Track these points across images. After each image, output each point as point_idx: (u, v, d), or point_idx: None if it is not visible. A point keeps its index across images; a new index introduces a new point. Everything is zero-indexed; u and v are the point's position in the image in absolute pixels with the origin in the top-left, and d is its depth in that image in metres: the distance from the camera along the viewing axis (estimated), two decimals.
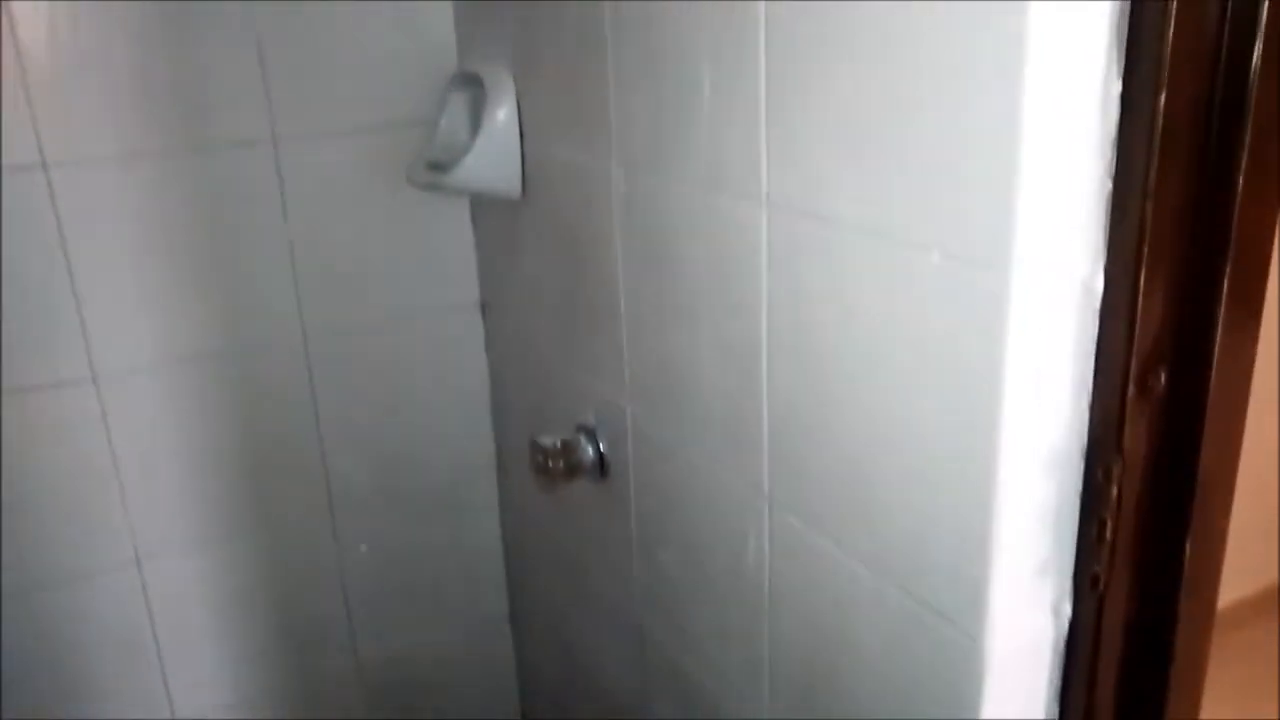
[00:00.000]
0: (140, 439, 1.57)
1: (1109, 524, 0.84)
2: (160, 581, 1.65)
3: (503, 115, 1.45)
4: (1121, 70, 0.74)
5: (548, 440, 1.45)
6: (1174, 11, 0.72)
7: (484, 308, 1.76)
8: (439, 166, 1.51)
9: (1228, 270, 0.80)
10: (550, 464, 1.42)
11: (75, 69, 1.39)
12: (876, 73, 0.82)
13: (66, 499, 1.55)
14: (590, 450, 1.43)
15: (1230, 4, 0.74)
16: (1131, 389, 0.81)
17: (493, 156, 1.46)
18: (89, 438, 1.54)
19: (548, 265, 1.49)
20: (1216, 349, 0.83)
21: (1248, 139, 0.77)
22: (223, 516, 1.67)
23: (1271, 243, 0.83)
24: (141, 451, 1.58)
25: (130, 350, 1.53)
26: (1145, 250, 0.77)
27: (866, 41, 0.82)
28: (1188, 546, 0.87)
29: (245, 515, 1.69)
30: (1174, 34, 0.72)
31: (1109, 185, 0.77)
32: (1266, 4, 0.73)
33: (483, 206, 1.68)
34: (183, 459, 1.62)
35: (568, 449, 1.43)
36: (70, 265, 1.46)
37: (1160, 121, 0.74)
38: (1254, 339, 0.86)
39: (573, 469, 1.43)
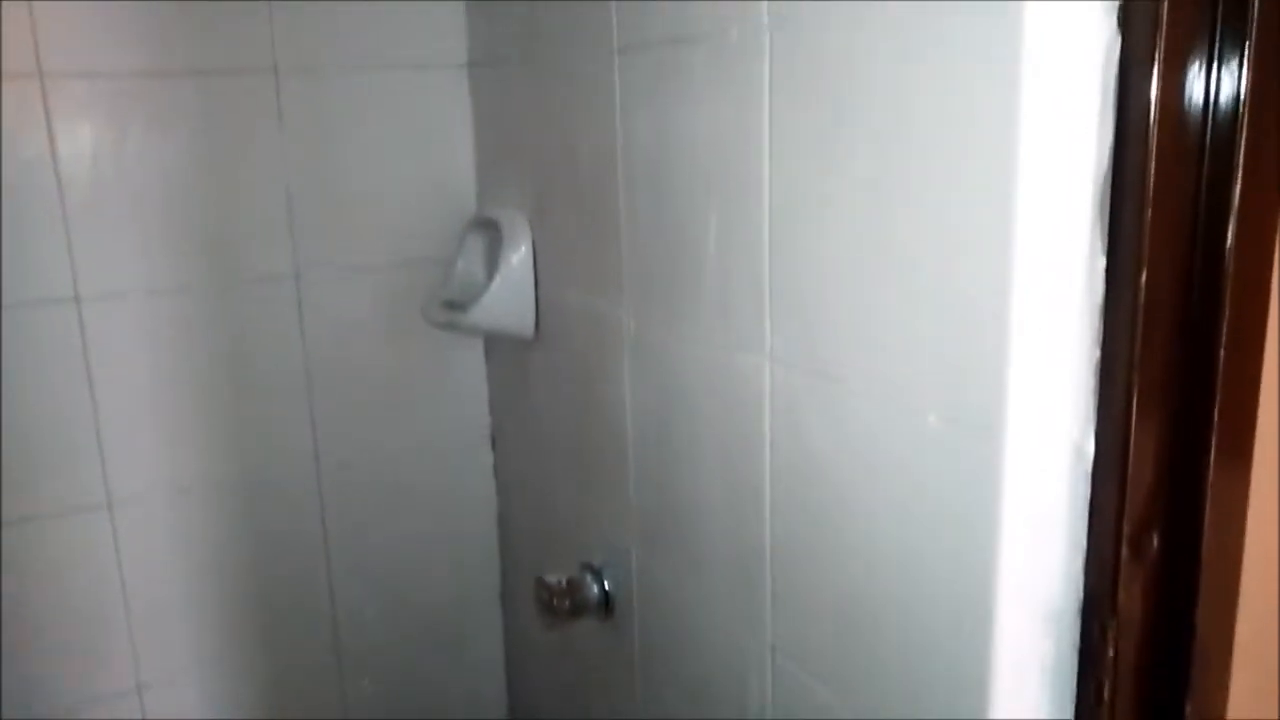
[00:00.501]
0: (150, 567, 1.59)
1: (1106, 685, 0.85)
2: (161, 709, 1.64)
3: (518, 258, 1.50)
4: (1105, 247, 0.79)
5: (553, 578, 1.46)
6: (1151, 193, 0.76)
7: (494, 441, 1.79)
8: (455, 305, 1.56)
9: (1214, 433, 0.83)
10: (555, 602, 1.43)
11: (113, 203, 1.46)
12: (875, 242, 0.87)
13: (73, 625, 1.56)
14: (595, 589, 1.44)
15: (1205, 184, 0.78)
16: (1125, 551, 0.83)
17: (508, 298, 1.51)
18: (99, 564, 1.55)
19: (558, 404, 1.52)
20: (1208, 511, 0.85)
21: (1226, 311, 0.80)
22: (228, 648, 1.67)
23: (1256, 401, 0.86)
24: (150, 579, 1.59)
25: (146, 478, 1.56)
26: (1133, 417, 0.80)
27: (864, 211, 0.87)
28: (1188, 708, 0.87)
29: (250, 647, 1.69)
30: (1152, 214, 0.77)
31: (1097, 353, 0.80)
32: (1239, 185, 0.78)
33: (496, 343, 1.73)
34: (191, 588, 1.62)
35: (573, 587, 1.44)
36: (94, 396, 1.49)
37: (1142, 296, 0.78)
38: (1244, 499, 0.88)
39: (578, 608, 1.44)
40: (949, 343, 0.81)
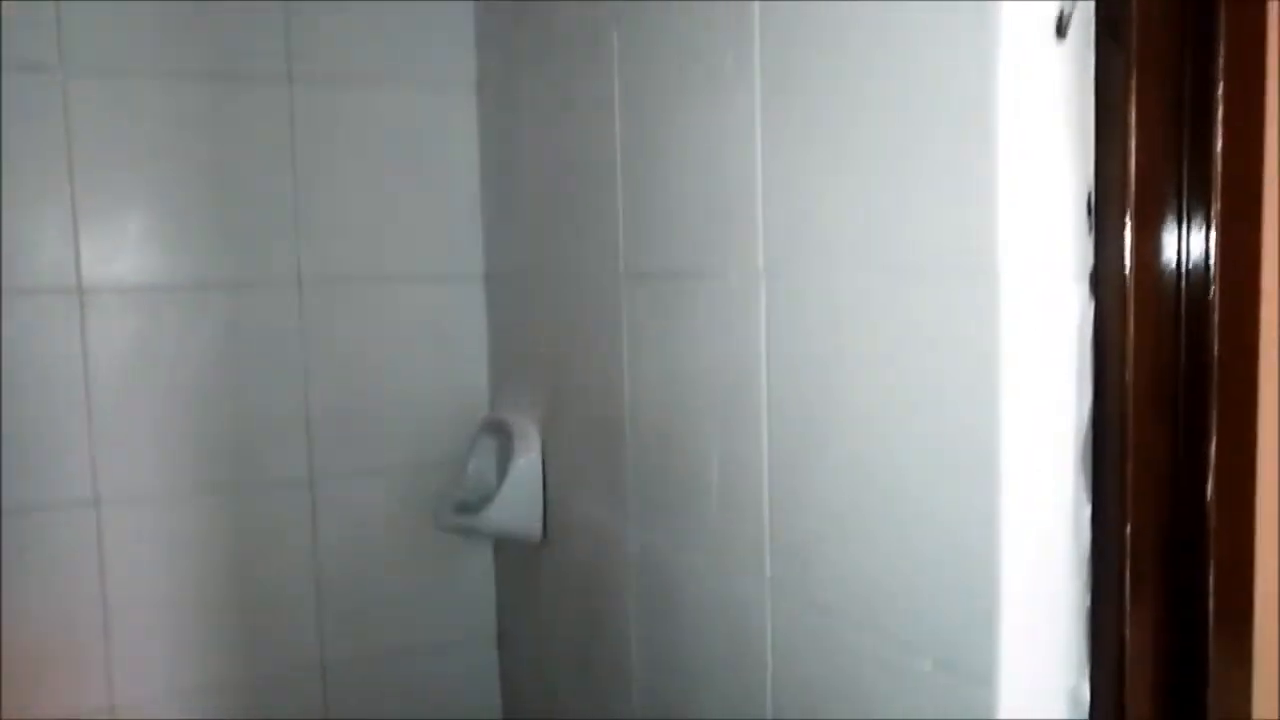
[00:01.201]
0: None
1: None
2: None
3: (527, 462, 1.54)
4: (1090, 494, 0.81)
5: None
6: (1130, 449, 0.79)
7: (500, 643, 1.79)
8: (467, 507, 1.59)
9: (1210, 684, 0.84)
10: None
11: (137, 408, 1.51)
12: (871, 485, 0.90)
13: None
14: None
15: (1182, 437, 0.82)
16: None
17: (516, 503, 1.54)
18: None
19: (563, 609, 1.53)
20: None
21: (1211, 564, 0.82)
22: None
23: (1249, 644, 0.87)
24: None
25: (153, 682, 1.56)
26: (1126, 666, 0.81)
27: (860, 452, 0.91)
28: None
29: None
30: (1133, 468, 0.80)
31: (1087, 601, 0.82)
32: (1214, 441, 0.81)
33: (505, 544, 1.74)
34: None
35: None
36: (105, 600, 1.51)
37: (1129, 548, 0.80)
38: None
39: None
40: (941, 590, 0.83)
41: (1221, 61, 0.77)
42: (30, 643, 1.49)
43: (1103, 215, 0.78)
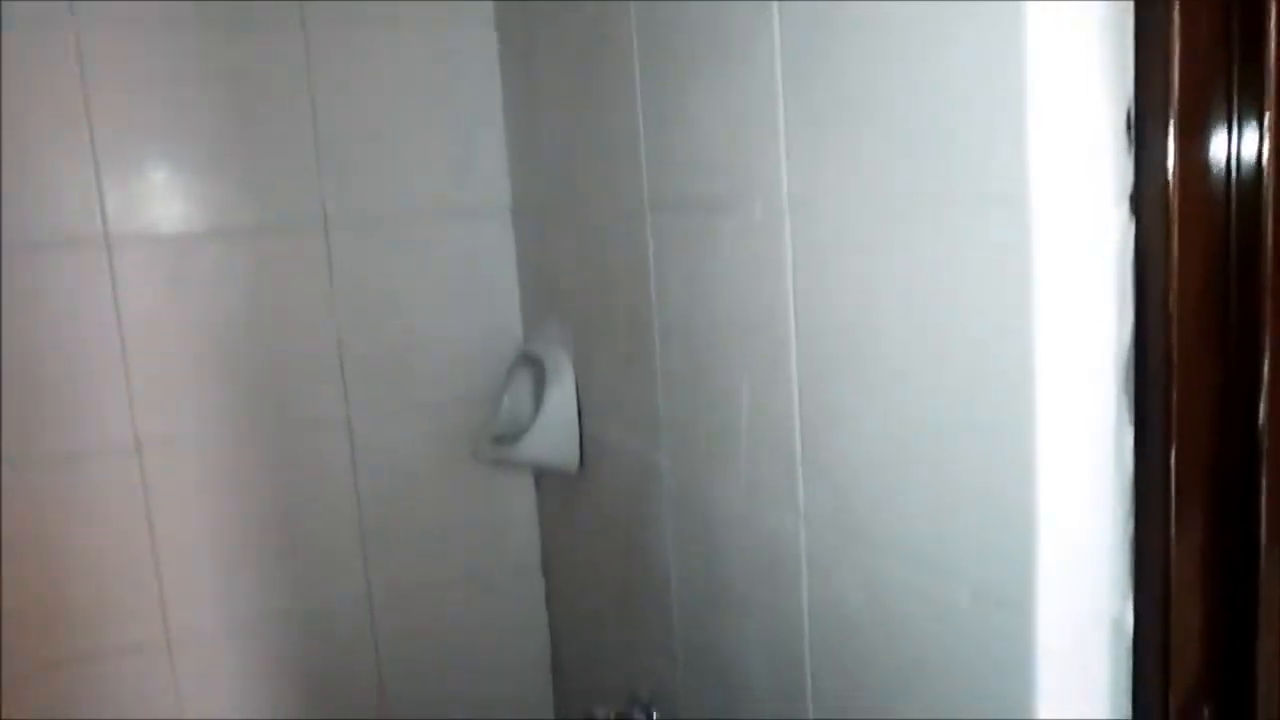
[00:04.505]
0: (210, 701, 1.61)
1: None
2: None
3: (561, 394, 1.53)
4: (1133, 419, 0.78)
5: (601, 712, 1.45)
6: (1176, 369, 0.76)
7: (545, 571, 1.80)
8: (503, 440, 1.59)
9: (1260, 603, 0.81)
10: None
11: (172, 357, 1.52)
12: (905, 412, 0.87)
13: None
14: None
15: (1232, 356, 0.78)
16: None
17: (552, 433, 1.53)
18: (159, 698, 1.58)
19: (603, 538, 1.53)
20: (1260, 682, 0.82)
21: (1264, 483, 0.79)
22: None
23: None
24: (209, 714, 1.62)
25: (203, 617, 1.59)
26: (1172, 591, 0.79)
27: (895, 376, 0.88)
28: None
29: None
30: (1178, 390, 0.76)
31: (1131, 527, 0.80)
32: (1268, 359, 0.77)
33: (547, 477, 1.74)
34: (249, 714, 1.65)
35: None
36: (154, 537, 1.54)
37: (1174, 474, 0.77)
38: None
39: None
40: (978, 519, 0.81)
41: None
42: (87, 579, 1.53)
43: (1144, 129, 0.73)
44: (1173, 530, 0.78)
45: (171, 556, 1.56)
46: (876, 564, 0.93)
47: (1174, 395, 0.76)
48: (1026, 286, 0.73)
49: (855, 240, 0.90)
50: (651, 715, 1.44)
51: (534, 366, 1.61)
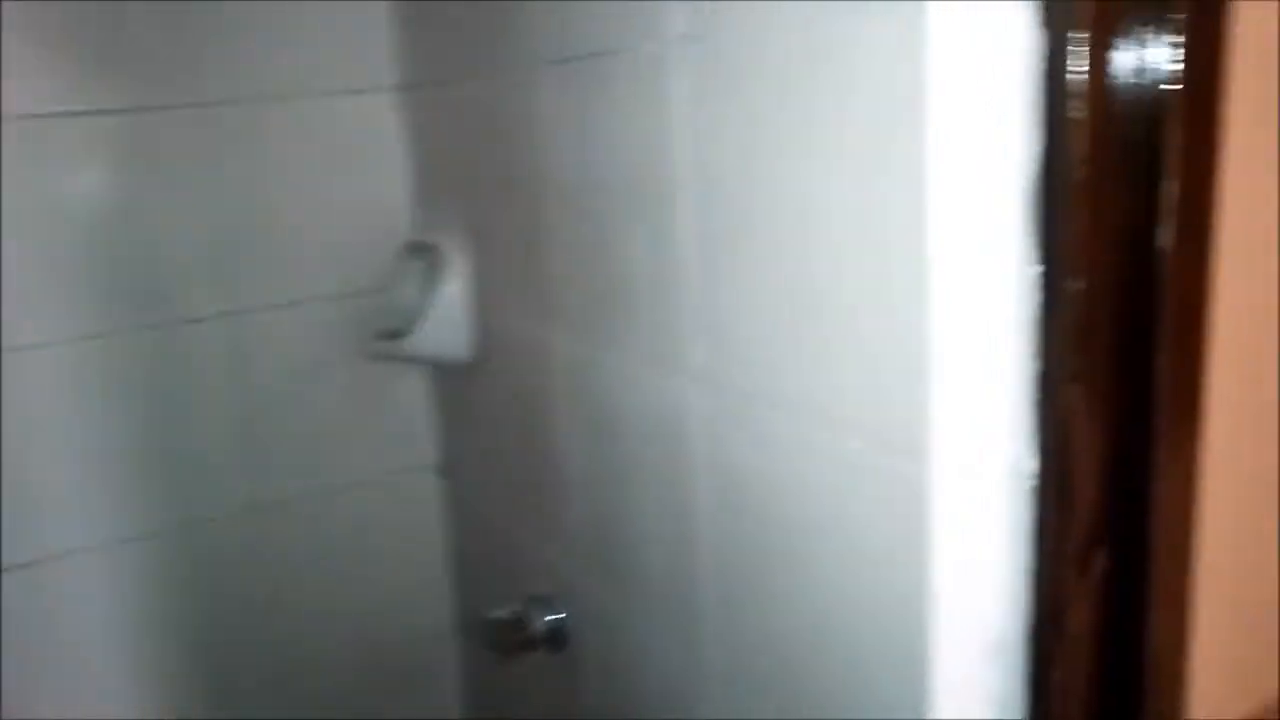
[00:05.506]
0: (85, 623, 1.52)
1: (1057, 712, 0.81)
2: None
3: (455, 283, 1.46)
4: (1038, 253, 0.75)
5: (499, 613, 1.41)
6: (1082, 194, 0.73)
7: (443, 471, 1.74)
8: (394, 334, 1.51)
9: (1160, 441, 0.80)
10: (502, 638, 1.37)
11: (32, 247, 1.40)
12: (798, 264, 0.83)
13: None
14: (544, 622, 1.39)
15: (1138, 180, 0.75)
16: (1071, 571, 0.79)
17: (445, 325, 1.46)
18: (21, 601, 1.49)
19: (503, 432, 1.48)
20: (1157, 523, 0.81)
21: (1166, 313, 0.77)
22: (172, 703, 1.61)
23: (1200, 405, 0.82)
24: (85, 635, 1.53)
25: (74, 529, 1.49)
26: (1074, 431, 0.77)
27: (787, 236, 0.83)
28: None
29: (193, 697, 1.63)
30: (1083, 217, 0.73)
31: (1034, 366, 0.77)
32: (1176, 181, 0.74)
33: (442, 371, 1.67)
34: (128, 641, 1.56)
35: (520, 622, 1.38)
36: (14, 448, 1.43)
37: (1079, 306, 0.74)
38: (1192, 504, 0.84)
39: (526, 642, 1.38)
40: (869, 360, 0.77)
41: None
42: None
43: None
44: (1075, 364, 0.75)
45: (36, 468, 1.46)
46: (769, 421, 0.89)
47: (1080, 220, 0.73)
48: (919, 109, 0.69)
49: (750, 67, 0.84)
50: (552, 609, 1.40)
51: (426, 256, 1.53)
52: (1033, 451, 0.78)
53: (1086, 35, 0.70)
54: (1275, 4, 0.81)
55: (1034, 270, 0.75)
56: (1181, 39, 0.71)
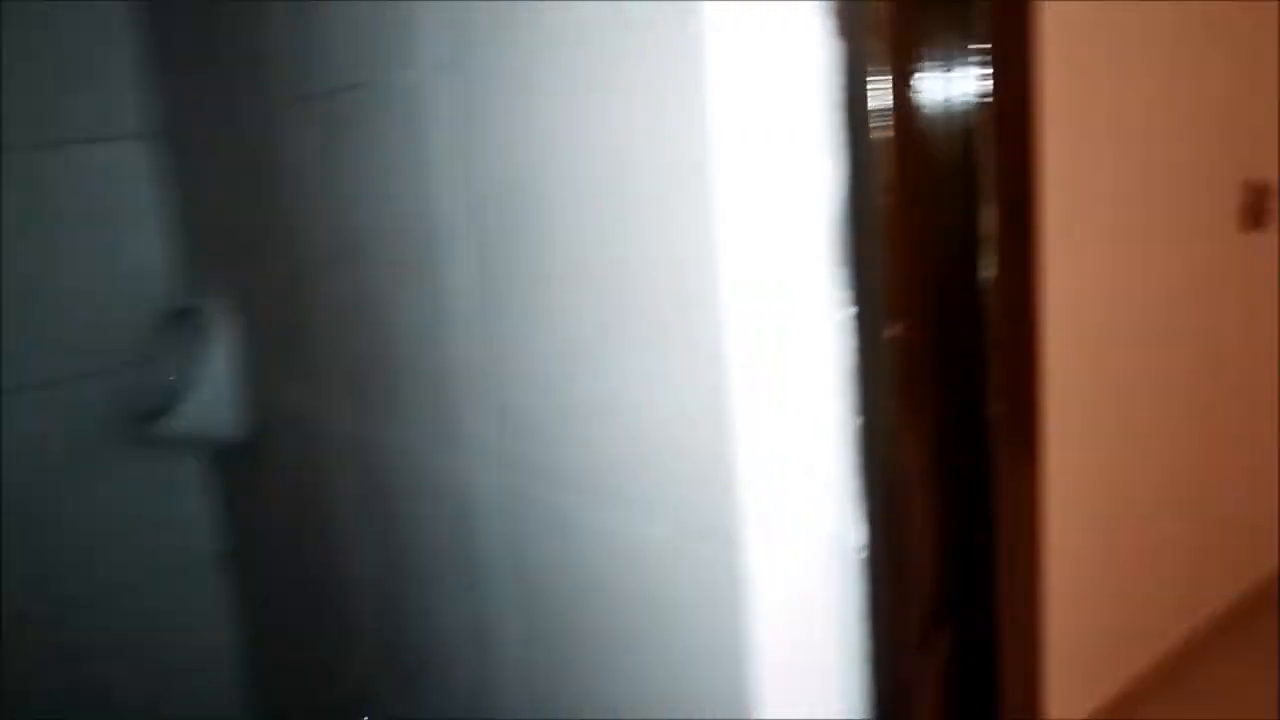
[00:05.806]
0: None
1: None
2: None
3: (220, 354, 1.28)
4: (851, 294, 0.65)
5: None
6: (894, 227, 0.63)
7: (226, 562, 1.53)
8: (154, 414, 1.32)
9: (1002, 496, 0.71)
10: None
11: None
12: (581, 325, 0.71)
13: None
14: None
15: (954, 211, 0.66)
16: (911, 656, 0.69)
17: (211, 401, 1.28)
18: None
19: (282, 519, 1.30)
20: (1004, 590, 0.72)
21: (995, 352, 0.68)
22: None
23: (1039, 446, 0.74)
24: None
25: None
26: (902, 498, 0.67)
27: (573, 286, 0.71)
28: None
29: None
30: (895, 253, 0.64)
31: (855, 422, 0.66)
32: (995, 208, 0.66)
33: (218, 453, 1.47)
34: None
35: None
36: None
37: (899, 350, 0.64)
38: (1036, 572, 0.76)
39: None
40: (671, 443, 0.65)
41: None
42: None
43: None
44: (897, 422, 0.66)
45: None
46: (563, 506, 0.76)
47: (892, 260, 0.63)
48: (702, 132, 0.58)
49: (519, 97, 0.72)
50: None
51: (188, 324, 1.34)
52: (860, 520, 0.67)
53: (887, 44, 0.61)
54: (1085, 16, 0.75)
55: (847, 313, 0.65)
56: (988, 45, 0.62)
